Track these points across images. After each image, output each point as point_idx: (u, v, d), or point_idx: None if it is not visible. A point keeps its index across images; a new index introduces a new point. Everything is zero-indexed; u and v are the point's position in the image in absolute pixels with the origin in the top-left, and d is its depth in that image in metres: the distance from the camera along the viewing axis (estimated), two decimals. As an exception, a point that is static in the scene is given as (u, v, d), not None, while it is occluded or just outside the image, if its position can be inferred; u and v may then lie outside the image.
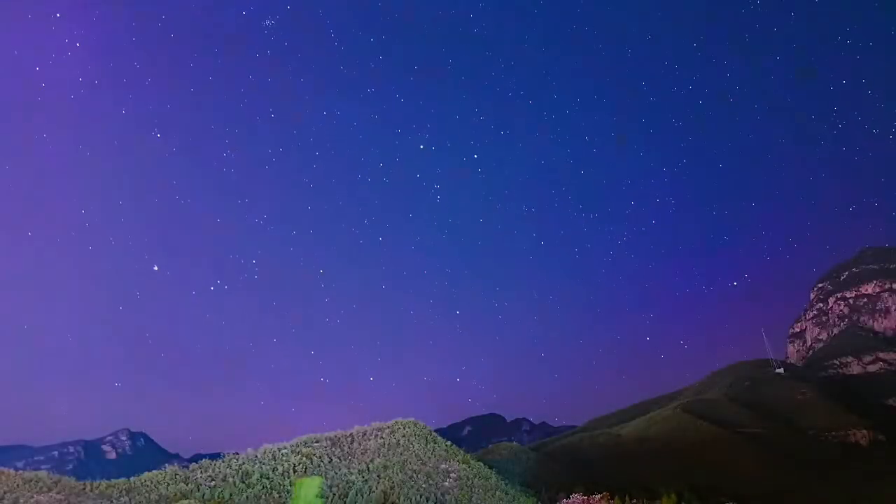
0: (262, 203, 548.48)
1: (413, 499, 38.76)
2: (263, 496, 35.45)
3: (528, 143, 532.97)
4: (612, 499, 44.09)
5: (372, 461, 43.85)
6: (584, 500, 39.26)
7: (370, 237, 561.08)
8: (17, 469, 33.51)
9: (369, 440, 47.90)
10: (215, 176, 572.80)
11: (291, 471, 39.60)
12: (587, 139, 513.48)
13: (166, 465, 38.82)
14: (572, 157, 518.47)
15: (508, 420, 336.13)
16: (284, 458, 41.60)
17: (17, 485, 30.05)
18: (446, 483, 42.65)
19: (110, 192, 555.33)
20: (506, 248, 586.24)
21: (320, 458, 42.89)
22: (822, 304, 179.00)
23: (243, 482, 37.07)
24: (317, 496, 7.02)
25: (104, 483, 34.25)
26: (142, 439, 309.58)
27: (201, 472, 38.12)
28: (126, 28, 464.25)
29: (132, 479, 35.73)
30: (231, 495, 34.91)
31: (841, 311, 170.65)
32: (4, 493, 28.61)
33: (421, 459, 46.00)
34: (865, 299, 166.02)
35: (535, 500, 48.33)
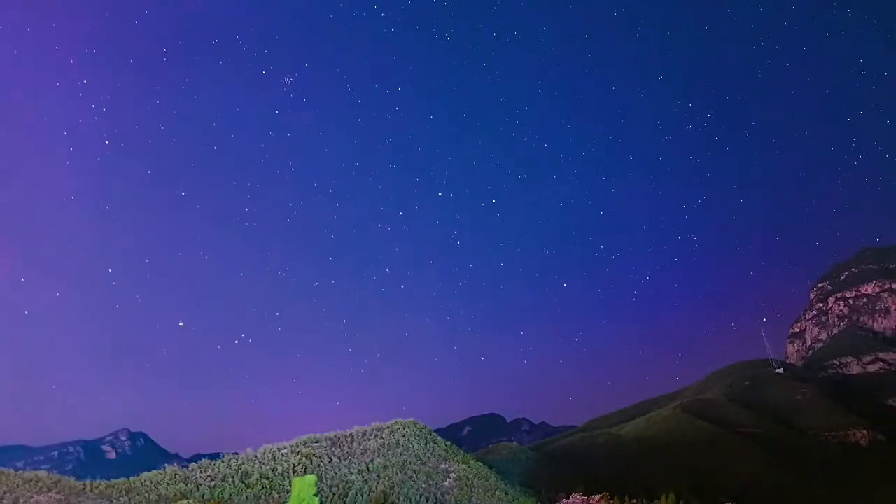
0: (284, 256, 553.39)
1: (413, 499, 38.77)
2: (263, 496, 35.48)
3: (545, 186, 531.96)
4: (612, 499, 44.11)
5: (372, 461, 43.86)
6: (583, 500, 39.31)
7: (392, 285, 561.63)
8: (17, 469, 33.54)
9: (369, 440, 47.90)
10: (238, 231, 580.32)
11: (291, 471, 39.62)
12: (604, 179, 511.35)
13: (166, 465, 38.87)
14: (590, 197, 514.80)
15: (508, 420, 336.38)
16: (284, 458, 41.62)
17: (17, 485, 30.07)
18: (446, 483, 42.65)
19: (136, 249, 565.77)
20: (529, 292, 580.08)
21: (320, 458, 42.90)
22: (821, 305, 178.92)
23: (243, 482, 37.10)
24: (313, 494, 7.05)
25: (104, 483, 34.27)
26: (141, 439, 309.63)
27: (201, 472, 38.15)
28: (150, 91, 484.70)
29: (132, 479, 35.75)
30: (231, 495, 34.94)
31: (841, 311, 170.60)
32: (4, 493, 28.63)
33: (420, 459, 46.01)
34: (865, 299, 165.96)
35: (534, 500, 48.33)
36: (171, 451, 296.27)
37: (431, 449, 48.71)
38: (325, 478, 39.77)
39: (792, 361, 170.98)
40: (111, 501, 31.64)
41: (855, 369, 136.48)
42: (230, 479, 37.03)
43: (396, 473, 42.18)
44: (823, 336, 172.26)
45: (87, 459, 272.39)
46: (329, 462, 42.69)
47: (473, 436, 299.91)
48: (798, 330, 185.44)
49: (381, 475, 41.58)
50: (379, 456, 44.98)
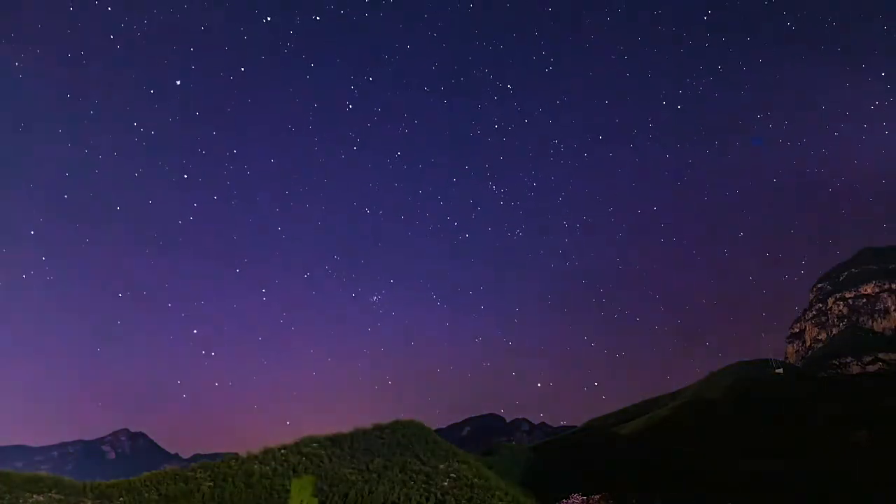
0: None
1: (413, 499, 38.80)
2: (263, 496, 35.51)
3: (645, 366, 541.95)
4: (612, 499, 44.12)
5: (372, 461, 43.89)
6: (583, 500, 39.27)
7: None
8: (17, 469, 33.56)
9: (369, 440, 47.95)
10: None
11: (291, 471, 39.65)
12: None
13: (166, 465, 38.89)
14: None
15: (508, 420, 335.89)
16: (284, 458, 41.65)
17: (17, 485, 30.09)
18: (446, 483, 42.67)
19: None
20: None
21: (320, 458, 42.93)
22: (821, 305, 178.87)
23: (243, 482, 37.11)
24: (312, 495, 7.05)
25: (104, 483, 34.31)
26: (141, 439, 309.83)
27: (201, 472, 38.16)
28: (249, 327, 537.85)
29: (132, 479, 35.77)
30: (230, 495, 34.97)
31: (840, 311, 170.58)
32: (4, 493, 28.65)
33: (421, 459, 46.02)
34: (865, 300, 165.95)
35: (534, 500, 48.37)
36: (171, 451, 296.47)
37: (431, 449, 48.73)
38: (325, 478, 39.77)
39: (791, 361, 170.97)
40: (111, 501, 31.67)
41: (854, 369, 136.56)
42: (230, 479, 37.04)
43: (396, 473, 42.20)
44: (823, 336, 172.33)
45: (87, 459, 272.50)
46: (329, 462, 42.72)
47: (473, 436, 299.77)
48: (797, 330, 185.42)
49: (381, 475, 41.59)
50: (379, 456, 45.01)
